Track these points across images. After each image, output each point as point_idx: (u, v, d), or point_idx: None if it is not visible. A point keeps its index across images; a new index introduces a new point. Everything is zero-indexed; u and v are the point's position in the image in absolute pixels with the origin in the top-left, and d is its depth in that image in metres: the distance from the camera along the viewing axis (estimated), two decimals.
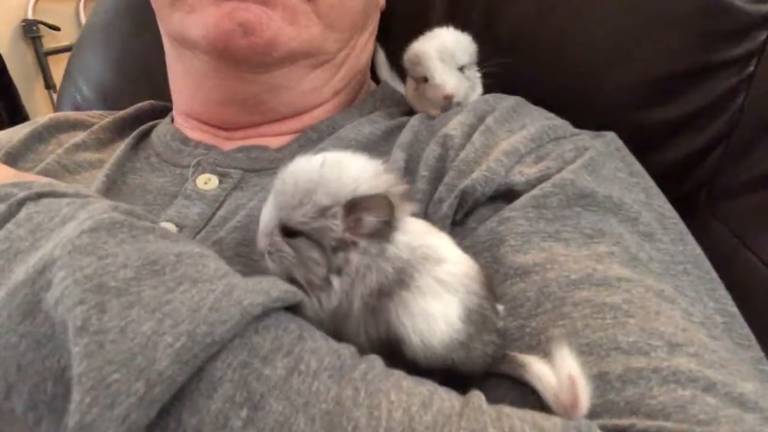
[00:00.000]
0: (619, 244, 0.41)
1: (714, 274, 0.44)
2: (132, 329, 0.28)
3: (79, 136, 0.65)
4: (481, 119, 0.53)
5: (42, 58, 2.24)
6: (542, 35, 0.63)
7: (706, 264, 0.45)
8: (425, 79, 0.58)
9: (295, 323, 0.32)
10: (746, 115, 0.56)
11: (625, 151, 0.51)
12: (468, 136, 0.51)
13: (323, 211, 0.35)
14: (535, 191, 0.44)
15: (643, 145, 0.57)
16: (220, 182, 0.56)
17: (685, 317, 0.37)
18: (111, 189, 0.56)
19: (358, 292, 0.34)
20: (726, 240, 0.57)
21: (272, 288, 0.32)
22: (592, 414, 0.31)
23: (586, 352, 0.34)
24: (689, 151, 0.59)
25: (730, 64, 0.56)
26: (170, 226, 0.51)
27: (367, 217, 0.34)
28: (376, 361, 0.32)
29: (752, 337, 0.40)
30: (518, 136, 0.50)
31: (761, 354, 0.39)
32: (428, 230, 0.37)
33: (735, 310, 0.42)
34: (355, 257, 0.35)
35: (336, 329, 0.35)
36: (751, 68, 0.56)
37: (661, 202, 0.48)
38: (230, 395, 0.28)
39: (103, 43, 0.87)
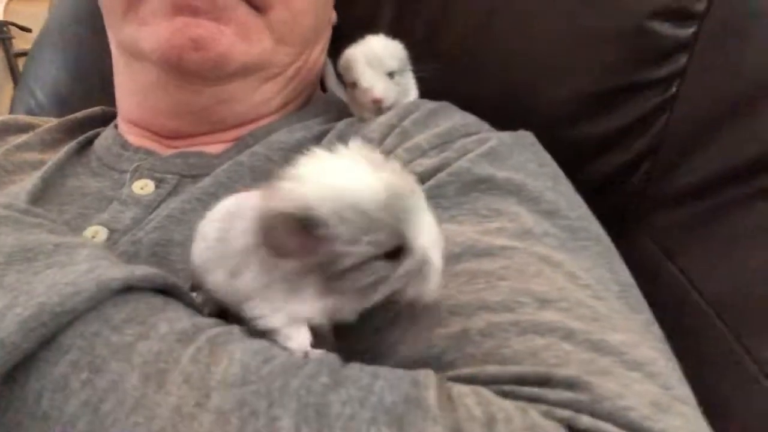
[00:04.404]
0: (513, 221, 0.42)
1: (614, 251, 0.45)
2: None
3: (22, 137, 0.65)
4: (401, 120, 0.54)
5: (12, 59, 2.22)
6: (483, 49, 0.65)
7: (607, 242, 0.46)
8: (355, 84, 0.59)
9: (163, 300, 0.33)
10: (670, 134, 0.58)
11: (538, 147, 0.52)
12: (385, 137, 0.53)
13: None
14: (431, 182, 0.45)
15: (574, 159, 0.59)
16: (157, 187, 0.56)
17: (568, 279, 0.38)
18: (46, 191, 0.56)
19: None
20: (652, 255, 0.58)
21: (140, 269, 0.33)
22: (448, 366, 0.32)
23: (454, 313, 0.35)
24: (616, 166, 0.61)
25: (653, 85, 0.58)
26: (102, 230, 0.52)
27: None
28: (235, 329, 0.32)
29: (645, 304, 0.42)
30: (426, 134, 0.51)
31: (653, 318, 0.41)
32: None
33: (631, 280, 0.43)
34: None
35: None
36: (674, 89, 0.58)
37: (567, 188, 0.49)
38: (75, 360, 0.29)
39: (59, 47, 0.87)
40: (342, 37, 0.72)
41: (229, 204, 0.36)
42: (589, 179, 0.61)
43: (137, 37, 0.57)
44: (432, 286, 0.32)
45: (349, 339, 0.38)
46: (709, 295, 0.52)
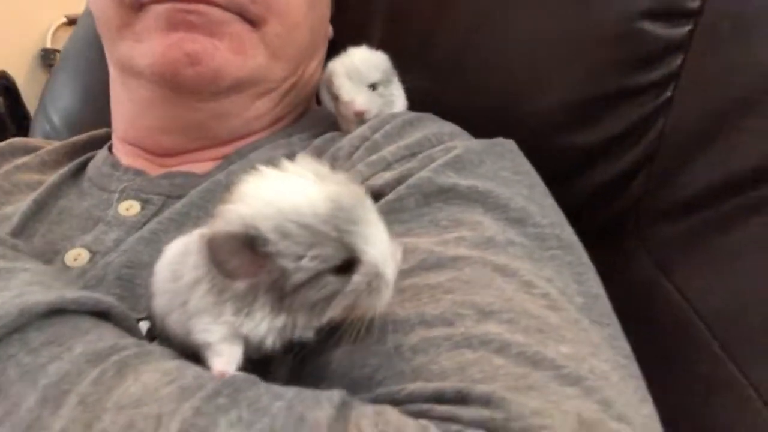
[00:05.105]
0: (475, 230, 0.40)
1: (586, 260, 0.43)
2: None
3: (24, 158, 0.67)
4: (374, 132, 0.53)
5: None
6: (469, 60, 0.63)
7: (580, 251, 0.43)
8: (337, 98, 0.58)
9: (93, 322, 0.33)
10: (667, 141, 0.55)
11: (517, 154, 0.50)
12: (355, 150, 0.52)
13: None
14: (390, 196, 0.44)
15: (565, 170, 0.57)
16: (142, 208, 0.56)
17: (521, 289, 0.36)
18: (38, 213, 0.58)
19: None
20: (648, 271, 0.55)
21: (72, 292, 0.33)
22: (378, 385, 0.31)
23: (392, 330, 0.33)
24: (611, 176, 0.58)
25: (645, 90, 0.55)
26: (84, 252, 0.52)
27: None
28: (157, 349, 0.32)
29: (613, 317, 0.39)
30: (394, 146, 0.49)
31: (620, 333, 0.38)
32: None
33: (600, 292, 0.41)
34: None
35: None
36: (668, 93, 0.54)
37: (543, 196, 0.47)
38: None
39: (73, 72, 0.90)
40: (333, 50, 0.72)
41: (177, 246, 0.36)
42: (581, 191, 0.58)
43: (132, 54, 0.58)
44: (384, 300, 0.32)
45: (304, 360, 0.37)
46: (706, 316, 0.48)
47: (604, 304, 0.40)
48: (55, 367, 0.29)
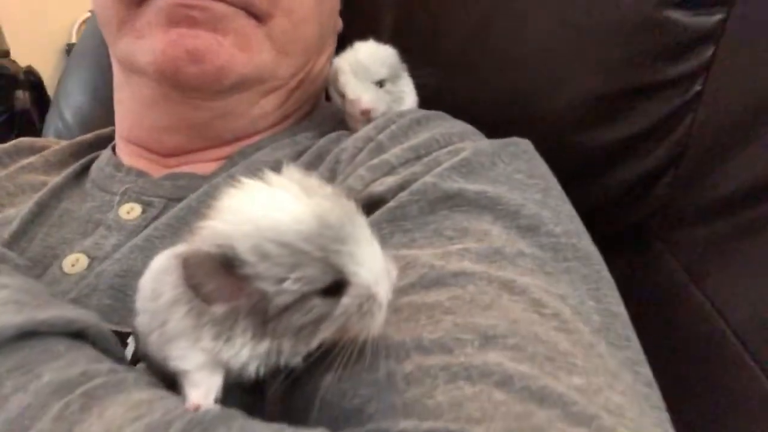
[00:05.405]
0: (481, 241, 0.37)
1: (605, 273, 0.39)
2: None
3: (29, 159, 0.66)
4: (379, 133, 0.50)
5: None
6: (482, 54, 0.60)
7: (598, 264, 0.40)
8: (344, 95, 0.56)
9: (67, 345, 0.31)
10: (697, 138, 0.51)
11: (533, 155, 0.47)
12: (358, 152, 0.49)
13: None
14: (392, 203, 0.41)
15: (585, 171, 0.54)
16: (143, 211, 0.54)
17: (530, 308, 0.33)
18: (39, 216, 0.56)
19: None
20: (675, 277, 0.51)
21: (44, 312, 0.31)
22: (369, 419, 0.28)
23: (386, 356, 0.31)
24: (636, 176, 0.55)
25: (672, 84, 0.52)
26: (83, 258, 0.51)
27: None
28: (130, 376, 0.30)
29: (633, 338, 0.36)
30: (399, 148, 0.46)
31: (641, 356, 0.35)
32: None
33: (620, 309, 0.37)
34: None
35: None
36: (698, 87, 0.51)
37: (559, 202, 0.43)
38: None
39: (84, 69, 0.89)
40: (343, 45, 0.69)
41: (161, 261, 0.34)
42: (603, 192, 0.55)
43: (133, 51, 0.56)
44: (378, 323, 0.29)
45: (293, 387, 0.35)
46: (737, 325, 0.45)
47: (624, 323, 0.37)
48: (18, 399, 0.28)
